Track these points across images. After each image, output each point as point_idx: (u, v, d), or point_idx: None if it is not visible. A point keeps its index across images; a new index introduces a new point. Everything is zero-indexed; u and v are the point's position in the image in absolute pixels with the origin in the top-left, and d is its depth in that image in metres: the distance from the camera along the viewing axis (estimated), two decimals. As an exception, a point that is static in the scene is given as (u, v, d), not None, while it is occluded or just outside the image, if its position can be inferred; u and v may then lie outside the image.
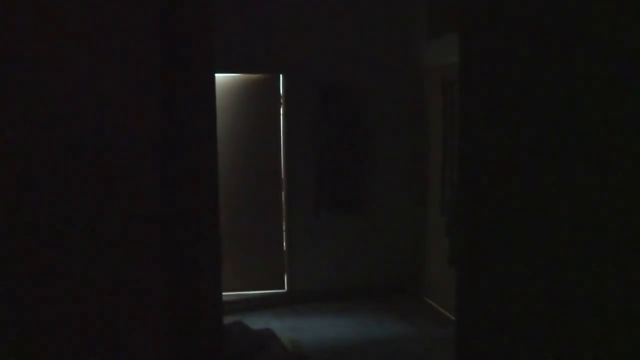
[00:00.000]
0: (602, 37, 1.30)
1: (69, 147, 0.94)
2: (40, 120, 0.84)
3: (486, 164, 1.74)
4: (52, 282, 0.87)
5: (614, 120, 1.27)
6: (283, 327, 4.53)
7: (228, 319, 4.53)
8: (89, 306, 1.00)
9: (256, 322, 4.55)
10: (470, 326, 1.86)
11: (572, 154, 1.38)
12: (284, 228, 5.12)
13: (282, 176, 5.07)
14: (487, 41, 1.70)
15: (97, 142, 1.03)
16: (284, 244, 5.14)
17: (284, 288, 5.18)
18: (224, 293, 5.02)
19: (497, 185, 1.69)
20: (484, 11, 1.71)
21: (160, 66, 1.30)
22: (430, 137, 4.95)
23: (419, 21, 5.00)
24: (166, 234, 1.36)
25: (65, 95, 0.92)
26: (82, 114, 0.97)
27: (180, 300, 1.40)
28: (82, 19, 0.98)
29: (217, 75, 5.61)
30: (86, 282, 0.99)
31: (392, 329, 4.46)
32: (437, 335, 4.31)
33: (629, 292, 1.25)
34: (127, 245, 1.17)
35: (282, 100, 5.00)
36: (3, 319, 0.79)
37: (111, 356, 1.10)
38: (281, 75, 4.97)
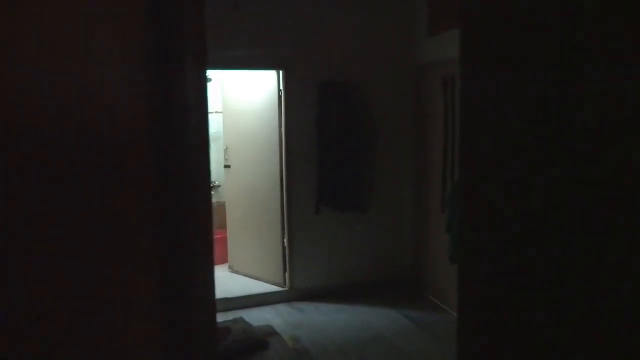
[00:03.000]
0: (606, 34, 1.29)
1: (59, 146, 0.94)
2: (27, 117, 0.84)
3: (487, 161, 1.74)
4: (39, 281, 0.87)
5: (619, 119, 1.27)
6: (284, 324, 4.54)
7: (229, 316, 4.55)
8: (79, 306, 1.00)
9: (257, 319, 4.56)
10: (472, 323, 1.86)
11: (575, 152, 1.38)
12: (285, 225, 5.12)
13: (283, 174, 5.07)
14: (488, 37, 1.70)
15: (84, 141, 1.03)
16: (285, 241, 5.14)
17: (285, 285, 5.18)
18: (224, 290, 5.05)
19: (499, 183, 1.68)
20: (485, 7, 1.70)
21: (147, 63, 1.29)
22: (431, 133, 4.95)
23: (419, 17, 4.99)
24: (158, 233, 1.36)
25: (50, 94, 0.91)
26: (68, 112, 0.96)
27: (173, 298, 1.40)
28: (68, 16, 0.97)
29: (217, 71, 5.66)
30: (76, 281, 0.99)
31: (393, 326, 4.47)
32: (438, 332, 4.32)
33: (632, 292, 1.24)
34: (119, 244, 1.17)
35: (282, 97, 4.99)
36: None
37: (102, 355, 1.10)
38: (281, 72, 4.96)
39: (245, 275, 5.58)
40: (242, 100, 5.44)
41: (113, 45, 1.16)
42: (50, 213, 0.90)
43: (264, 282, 5.35)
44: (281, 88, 5.00)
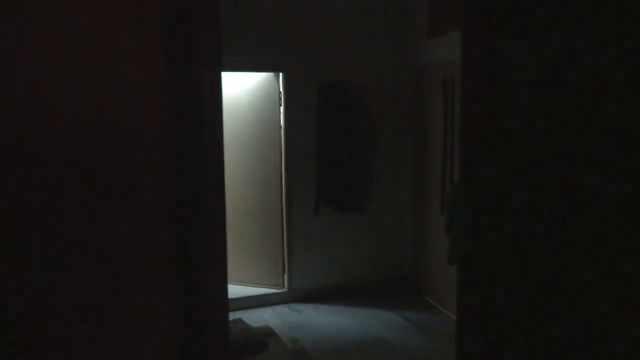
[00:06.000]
0: (606, 33, 1.29)
1: (76, 147, 0.94)
2: (40, 117, 0.84)
3: (486, 161, 1.74)
4: (54, 278, 0.87)
5: (619, 118, 1.27)
6: (283, 324, 4.54)
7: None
8: (93, 303, 1.00)
9: (256, 320, 4.55)
10: (471, 324, 1.86)
11: (576, 153, 1.38)
12: (284, 226, 5.12)
13: (282, 174, 5.07)
14: (489, 38, 1.70)
15: (101, 144, 1.03)
16: (284, 242, 5.14)
17: (283, 286, 5.18)
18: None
19: (498, 184, 1.68)
20: (485, 7, 1.70)
21: (164, 65, 1.29)
22: (430, 134, 4.95)
23: (419, 18, 4.99)
24: (173, 232, 1.36)
25: (65, 97, 0.91)
26: (83, 115, 0.96)
27: (188, 297, 1.40)
28: (85, 18, 0.97)
29: (217, 72, 5.64)
30: (91, 278, 0.98)
31: (391, 327, 4.46)
32: (437, 333, 4.31)
33: (633, 292, 1.24)
34: (134, 243, 1.17)
35: (282, 99, 4.99)
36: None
37: (117, 354, 1.10)
38: (281, 74, 4.96)
39: (242, 281, 5.52)
40: (242, 101, 5.44)
41: (131, 47, 1.16)
42: (69, 214, 0.90)
43: (263, 283, 5.33)
44: (281, 89, 5.00)
